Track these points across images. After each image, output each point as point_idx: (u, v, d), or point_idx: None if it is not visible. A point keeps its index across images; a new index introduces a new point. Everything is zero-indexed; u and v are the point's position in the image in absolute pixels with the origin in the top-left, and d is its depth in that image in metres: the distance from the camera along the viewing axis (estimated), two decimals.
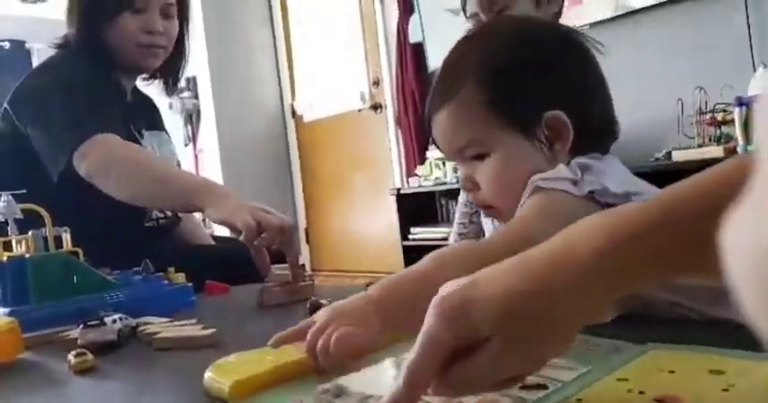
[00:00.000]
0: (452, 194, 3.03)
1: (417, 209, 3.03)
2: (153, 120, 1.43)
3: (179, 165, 1.44)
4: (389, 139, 3.66)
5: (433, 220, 3.13)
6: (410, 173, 3.29)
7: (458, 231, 1.33)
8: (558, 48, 0.63)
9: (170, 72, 1.41)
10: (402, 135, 3.49)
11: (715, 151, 1.99)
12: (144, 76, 1.38)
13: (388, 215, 3.19)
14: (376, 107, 3.70)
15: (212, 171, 4.08)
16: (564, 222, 0.50)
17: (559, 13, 1.15)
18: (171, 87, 1.44)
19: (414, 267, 0.51)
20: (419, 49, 3.32)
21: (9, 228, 0.84)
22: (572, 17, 2.29)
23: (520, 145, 0.61)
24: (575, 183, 0.56)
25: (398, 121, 3.53)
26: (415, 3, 3.31)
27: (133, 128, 1.30)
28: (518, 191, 0.59)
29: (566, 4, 1.18)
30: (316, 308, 0.72)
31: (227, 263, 1.25)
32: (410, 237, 2.95)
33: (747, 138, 1.89)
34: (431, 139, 0.70)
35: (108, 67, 1.28)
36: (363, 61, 3.74)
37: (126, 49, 1.27)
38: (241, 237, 0.90)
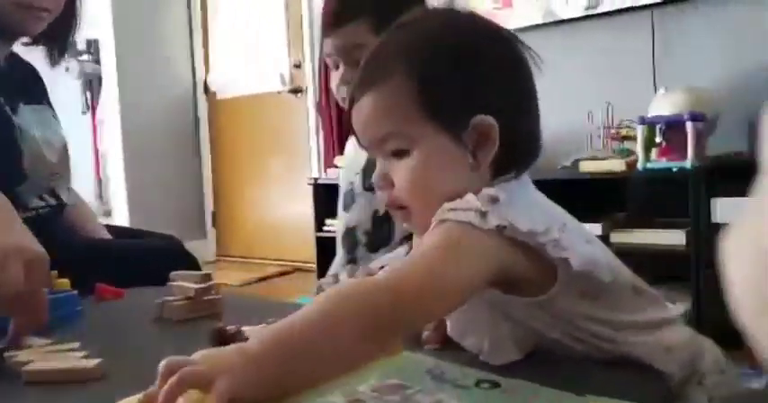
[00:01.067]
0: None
1: (334, 200, 2.96)
2: (34, 93, 1.24)
3: (66, 148, 1.26)
4: (309, 126, 3.55)
5: None
6: (329, 163, 3.21)
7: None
8: (496, 53, 0.60)
9: (56, 38, 1.21)
10: (322, 123, 3.40)
11: (617, 164, 2.10)
12: (24, 40, 1.18)
13: (304, 204, 3.10)
14: (297, 91, 3.57)
15: (112, 144, 3.79)
16: (470, 255, 0.52)
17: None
18: (56, 56, 1.25)
19: (301, 314, 0.48)
20: None
21: None
22: (500, 19, 2.30)
23: (444, 145, 0.57)
24: (483, 215, 0.53)
25: (318, 108, 3.44)
26: None
27: (4, 100, 1.12)
28: (435, 193, 0.56)
29: None
30: (220, 335, 0.64)
31: (125, 261, 1.14)
32: (325, 228, 2.89)
33: (646, 156, 2.02)
34: (351, 129, 0.63)
35: None
36: (285, 42, 3.59)
37: (1, 8, 1.08)
38: None
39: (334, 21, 0.94)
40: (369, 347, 0.49)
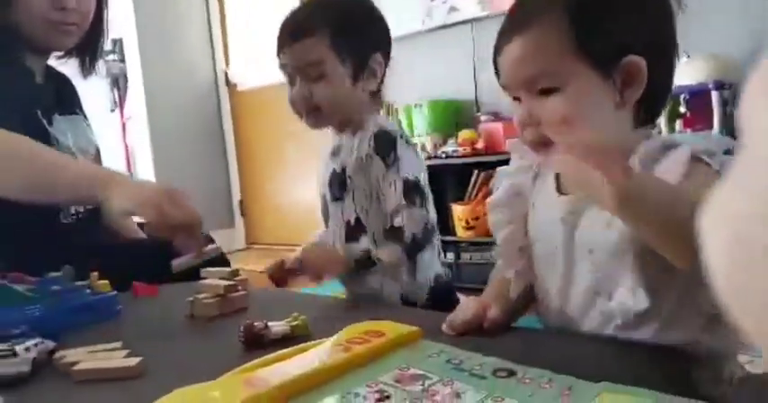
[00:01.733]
0: None
1: None
2: (69, 103, 1.31)
3: (98, 153, 1.33)
4: None
5: None
6: None
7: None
8: None
9: (86, 50, 1.29)
10: None
11: None
12: (58, 54, 1.26)
13: None
14: None
15: (140, 140, 3.89)
16: None
17: (377, 92, 1.02)
18: (88, 67, 1.32)
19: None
20: None
21: None
22: None
23: (594, 83, 0.60)
24: (711, 155, 0.55)
25: None
26: None
27: (41, 113, 1.18)
28: (584, 128, 0.60)
29: (384, 81, 1.03)
30: (249, 331, 0.69)
31: (157, 258, 1.19)
32: None
33: (670, 127, 1.96)
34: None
35: (11, 47, 1.17)
36: None
37: (34, 27, 1.15)
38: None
39: (290, 35, 0.95)
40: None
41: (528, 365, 0.53)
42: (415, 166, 0.95)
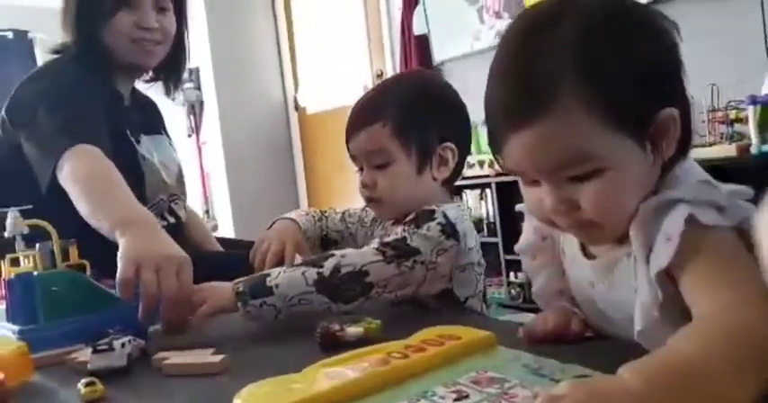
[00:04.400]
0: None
1: None
2: (153, 124, 1.40)
3: (181, 171, 1.41)
4: None
5: None
6: None
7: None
8: (650, 22, 0.55)
9: (171, 71, 1.38)
10: None
11: (726, 150, 1.94)
12: (145, 78, 1.36)
13: None
14: None
15: (215, 163, 4.07)
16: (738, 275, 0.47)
17: (451, 180, 0.97)
18: (172, 89, 1.41)
19: (690, 353, 0.42)
20: (424, 42, 3.27)
21: (16, 244, 0.84)
22: None
23: (632, 150, 0.53)
24: (720, 209, 0.50)
25: None
26: None
27: (130, 133, 1.27)
28: (632, 203, 0.53)
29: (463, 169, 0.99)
30: (326, 333, 0.71)
31: (228, 270, 1.23)
32: None
33: (761, 139, 1.85)
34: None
35: (104, 72, 1.26)
36: (367, 53, 3.70)
37: (119, 46, 1.23)
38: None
39: (355, 122, 0.95)
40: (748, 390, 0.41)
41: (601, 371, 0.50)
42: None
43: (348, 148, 0.97)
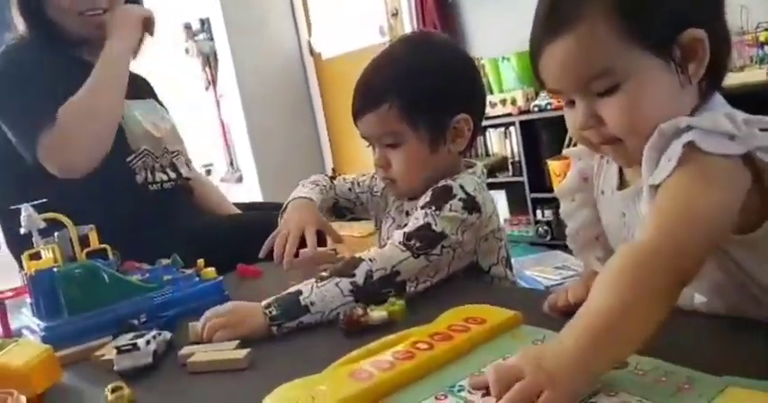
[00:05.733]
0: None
1: None
2: (135, 90, 1.36)
3: (174, 129, 1.40)
4: None
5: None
6: None
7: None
8: None
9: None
10: None
11: (758, 74, 1.89)
12: None
13: None
14: None
15: (235, 114, 4.03)
16: (728, 189, 0.51)
17: (469, 147, 0.93)
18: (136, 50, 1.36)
19: (600, 305, 0.47)
20: None
21: (33, 239, 0.83)
22: None
23: (656, 69, 0.55)
24: (732, 137, 0.51)
25: None
26: None
27: None
28: (653, 121, 0.55)
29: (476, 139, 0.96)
30: (350, 319, 0.70)
31: (251, 234, 1.22)
32: None
33: None
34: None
35: (65, 47, 1.24)
36: None
37: (67, 22, 1.22)
38: None
39: (361, 105, 0.90)
40: (665, 312, 0.48)
41: (637, 353, 0.49)
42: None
43: (356, 126, 0.92)
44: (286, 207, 1.01)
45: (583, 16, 0.55)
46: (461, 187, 0.84)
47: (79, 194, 1.09)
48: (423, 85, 0.86)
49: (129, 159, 1.25)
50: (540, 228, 2.77)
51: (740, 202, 0.52)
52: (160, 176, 1.30)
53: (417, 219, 0.82)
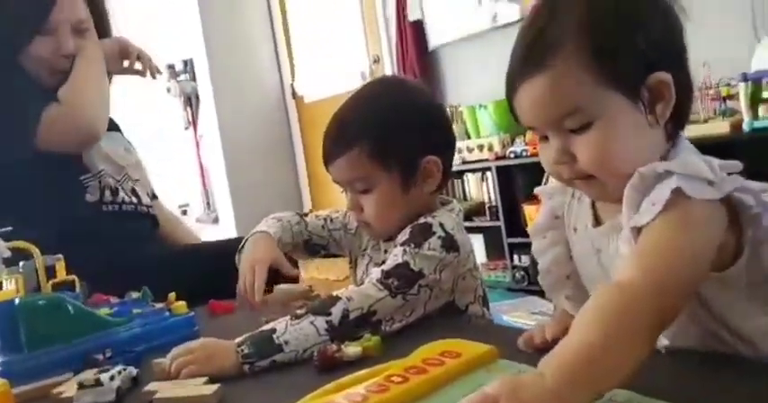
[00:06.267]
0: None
1: None
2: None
3: (139, 163, 1.43)
4: None
5: None
6: None
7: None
8: (654, 4, 0.60)
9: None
10: None
11: (720, 126, 1.99)
12: None
13: None
14: None
15: (213, 155, 4.03)
16: (708, 231, 0.53)
17: (439, 188, 0.92)
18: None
19: (581, 338, 0.48)
20: (419, 27, 3.22)
21: None
22: None
23: (626, 109, 0.58)
24: (710, 182, 0.54)
25: None
26: None
27: None
28: (624, 159, 0.58)
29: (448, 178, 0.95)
30: (323, 355, 0.68)
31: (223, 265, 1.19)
32: None
33: (753, 114, 1.89)
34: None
35: (28, 83, 1.27)
36: (363, 39, 3.63)
37: (40, 71, 1.26)
38: None
39: (331, 150, 0.90)
40: (646, 350, 0.49)
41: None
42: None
43: (328, 171, 0.93)
44: (244, 244, 1.00)
45: (557, 56, 0.57)
46: (441, 225, 0.84)
47: (29, 210, 1.12)
48: (392, 127, 0.87)
49: (83, 178, 1.27)
50: (516, 274, 2.77)
51: (719, 241, 0.54)
52: (122, 197, 1.31)
53: (396, 256, 0.82)
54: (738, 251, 0.56)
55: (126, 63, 1.40)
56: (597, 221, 0.66)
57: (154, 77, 1.42)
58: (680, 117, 0.61)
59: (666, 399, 0.48)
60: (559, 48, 0.58)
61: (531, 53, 0.60)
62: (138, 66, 1.40)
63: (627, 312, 0.49)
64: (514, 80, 0.61)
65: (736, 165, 0.56)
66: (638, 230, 0.54)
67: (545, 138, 0.62)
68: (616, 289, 0.51)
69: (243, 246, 0.99)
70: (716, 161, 0.56)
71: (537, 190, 0.74)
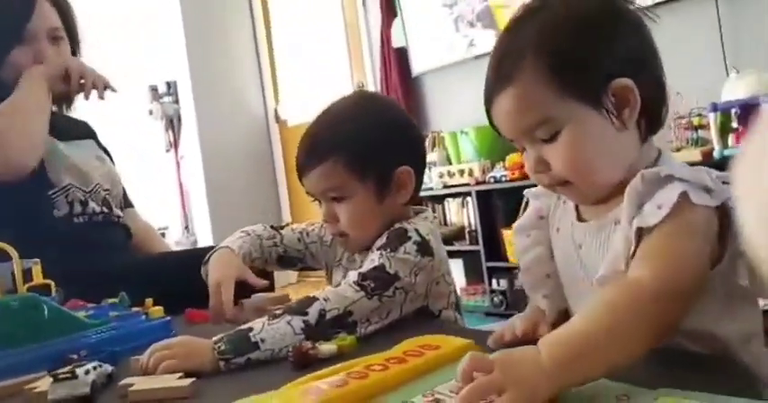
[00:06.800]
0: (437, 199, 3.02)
1: None
2: (74, 132, 1.39)
3: (112, 175, 1.42)
4: None
5: None
6: None
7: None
8: (610, 15, 0.63)
9: (63, 97, 1.35)
10: None
11: (692, 154, 2.04)
12: None
13: None
14: None
15: (194, 178, 4.02)
16: (705, 236, 0.56)
17: (412, 199, 0.94)
18: (66, 110, 1.41)
19: (587, 327, 0.50)
20: (403, 54, 3.30)
21: None
22: None
23: (590, 115, 0.61)
24: (708, 190, 0.56)
25: None
26: (398, 7, 3.28)
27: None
28: (595, 163, 0.61)
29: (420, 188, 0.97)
30: (298, 352, 0.69)
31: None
32: None
33: (723, 143, 1.95)
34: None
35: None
36: (347, 66, 3.70)
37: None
38: None
39: (304, 162, 0.92)
40: (644, 348, 0.51)
41: None
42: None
43: (302, 184, 0.94)
44: (209, 258, 0.99)
45: (521, 70, 0.61)
46: (416, 231, 0.86)
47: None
48: (367, 138, 0.89)
49: (50, 193, 1.26)
50: (494, 298, 2.79)
51: (711, 248, 0.57)
52: (92, 207, 1.30)
53: (373, 260, 0.83)
54: (720, 256, 0.58)
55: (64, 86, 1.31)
56: (580, 220, 0.69)
57: (101, 97, 1.33)
58: (652, 118, 0.64)
59: (631, 384, 0.50)
60: (522, 61, 0.61)
61: (500, 66, 0.63)
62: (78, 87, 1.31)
63: (630, 310, 0.51)
64: (489, 94, 0.64)
65: (729, 175, 0.58)
66: (640, 230, 0.56)
67: (524, 149, 0.66)
68: (624, 286, 0.54)
69: (208, 260, 0.99)
70: (713, 171, 0.59)
71: (525, 191, 0.77)
